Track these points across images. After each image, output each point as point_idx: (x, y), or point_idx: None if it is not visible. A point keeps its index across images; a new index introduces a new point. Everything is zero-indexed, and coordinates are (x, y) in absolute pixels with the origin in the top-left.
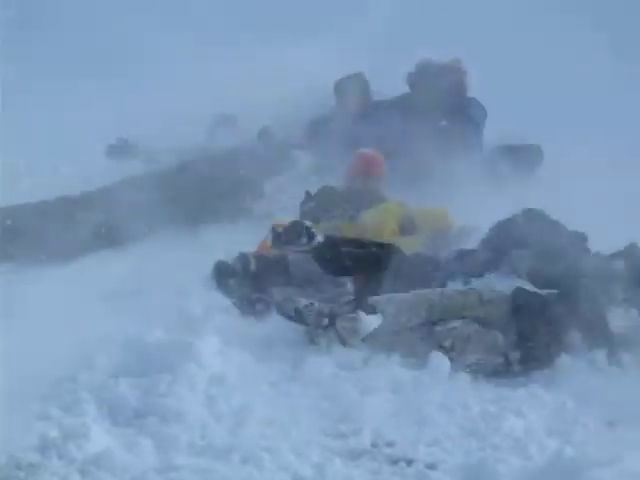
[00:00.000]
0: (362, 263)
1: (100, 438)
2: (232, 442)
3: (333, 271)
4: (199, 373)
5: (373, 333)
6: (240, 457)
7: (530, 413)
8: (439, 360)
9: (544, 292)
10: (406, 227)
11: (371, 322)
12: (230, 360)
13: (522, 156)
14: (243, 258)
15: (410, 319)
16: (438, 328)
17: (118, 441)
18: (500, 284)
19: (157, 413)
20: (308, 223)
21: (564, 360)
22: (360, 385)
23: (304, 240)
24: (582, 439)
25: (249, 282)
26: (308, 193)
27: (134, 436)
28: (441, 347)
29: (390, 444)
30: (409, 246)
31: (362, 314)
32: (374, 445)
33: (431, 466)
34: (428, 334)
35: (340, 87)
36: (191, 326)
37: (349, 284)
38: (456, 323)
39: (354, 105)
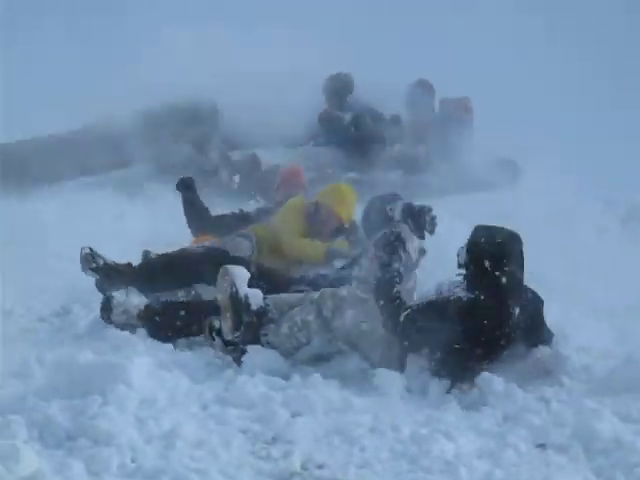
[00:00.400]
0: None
1: (31, 460)
2: (162, 464)
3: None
4: (130, 395)
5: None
6: (170, 479)
7: (460, 435)
8: (374, 381)
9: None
10: (312, 216)
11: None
12: (161, 382)
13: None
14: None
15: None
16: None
17: (49, 463)
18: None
19: (88, 435)
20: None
21: (494, 381)
22: (291, 407)
23: None
24: (512, 461)
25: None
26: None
27: (65, 458)
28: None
29: (320, 466)
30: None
31: None
32: (304, 467)
33: None
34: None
35: (324, 85)
36: (122, 347)
37: None
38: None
39: (332, 105)
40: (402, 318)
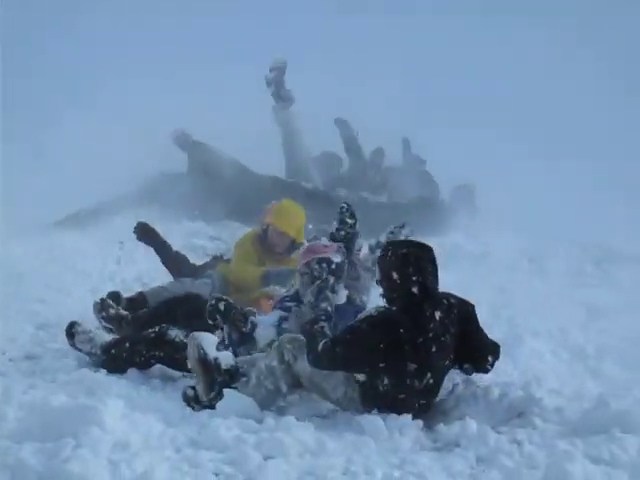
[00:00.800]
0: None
1: None
2: None
3: None
4: (103, 438)
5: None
6: None
7: (433, 478)
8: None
9: None
10: (263, 240)
11: None
12: (135, 425)
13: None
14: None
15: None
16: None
17: None
18: None
19: (60, 478)
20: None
21: (467, 423)
22: (264, 449)
23: None
24: None
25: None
26: None
27: None
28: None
29: None
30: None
31: None
32: None
33: None
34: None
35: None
36: (96, 390)
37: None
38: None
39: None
40: (320, 347)
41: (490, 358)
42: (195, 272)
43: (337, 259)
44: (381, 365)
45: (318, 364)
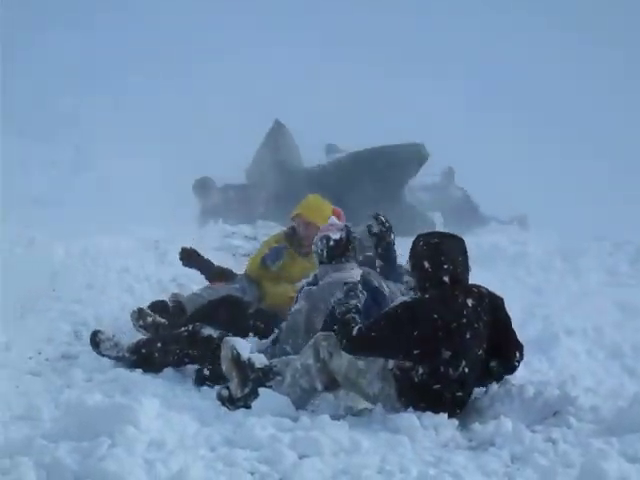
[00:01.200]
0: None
1: None
2: None
3: None
4: (138, 437)
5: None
6: None
7: (468, 476)
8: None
9: None
10: (291, 235)
11: None
12: (170, 424)
13: None
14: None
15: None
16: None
17: None
18: None
19: (96, 477)
20: None
21: (502, 422)
22: (299, 448)
23: None
24: None
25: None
26: None
27: None
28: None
29: None
30: None
31: None
32: None
33: None
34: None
35: None
36: (131, 389)
37: None
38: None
39: None
40: (355, 332)
41: (517, 354)
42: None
43: (335, 236)
44: (415, 352)
45: (353, 349)
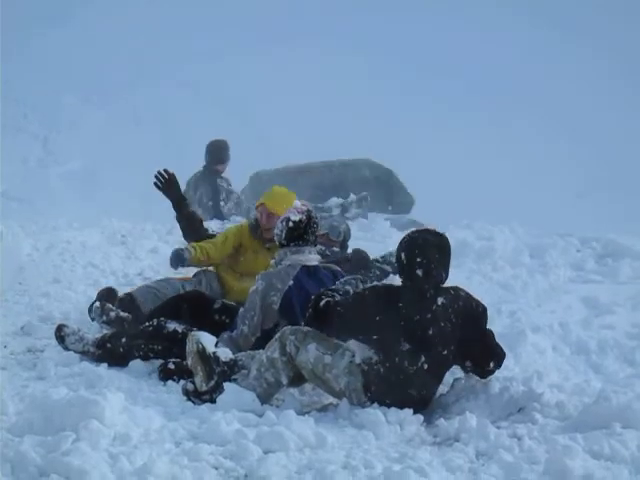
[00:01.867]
0: None
1: None
2: None
3: None
4: (103, 431)
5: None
6: None
7: (433, 472)
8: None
9: None
10: (255, 227)
11: None
12: (135, 418)
13: None
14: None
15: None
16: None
17: None
18: None
19: (60, 471)
20: None
21: (467, 418)
22: (264, 443)
23: None
24: None
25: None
26: None
27: None
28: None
29: None
30: None
31: None
32: None
33: None
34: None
35: None
36: (96, 383)
37: None
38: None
39: None
40: (322, 304)
41: (492, 364)
42: (205, 237)
43: (295, 217)
44: (374, 337)
45: (315, 319)
